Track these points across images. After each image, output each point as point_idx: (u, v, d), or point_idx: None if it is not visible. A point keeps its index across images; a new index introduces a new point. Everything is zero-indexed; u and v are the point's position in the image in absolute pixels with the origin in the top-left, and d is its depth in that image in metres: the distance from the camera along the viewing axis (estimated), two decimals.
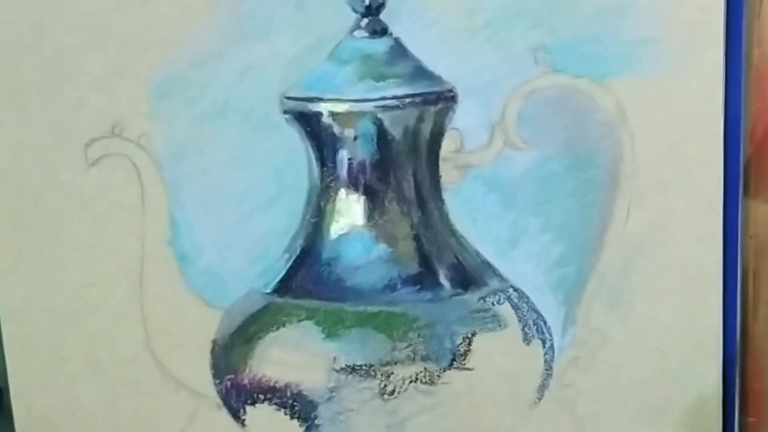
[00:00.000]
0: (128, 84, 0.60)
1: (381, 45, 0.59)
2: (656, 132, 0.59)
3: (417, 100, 0.59)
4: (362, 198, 0.60)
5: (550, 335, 0.62)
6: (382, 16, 0.59)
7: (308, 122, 0.59)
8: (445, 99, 0.59)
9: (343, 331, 0.60)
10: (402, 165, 0.60)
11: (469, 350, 0.60)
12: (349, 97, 0.59)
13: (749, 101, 0.60)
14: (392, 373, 0.60)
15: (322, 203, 0.61)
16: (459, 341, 0.60)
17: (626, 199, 0.60)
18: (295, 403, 0.61)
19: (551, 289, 0.62)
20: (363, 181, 0.60)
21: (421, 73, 0.59)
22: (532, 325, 0.62)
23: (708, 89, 0.58)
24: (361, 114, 0.59)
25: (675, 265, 0.61)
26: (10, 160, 0.62)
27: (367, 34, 0.59)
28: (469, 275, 0.61)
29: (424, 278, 0.61)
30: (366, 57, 0.59)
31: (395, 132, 0.59)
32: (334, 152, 0.60)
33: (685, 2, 0.57)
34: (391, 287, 0.60)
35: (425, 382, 0.60)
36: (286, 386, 0.61)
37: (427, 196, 0.61)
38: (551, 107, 0.59)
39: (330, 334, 0.60)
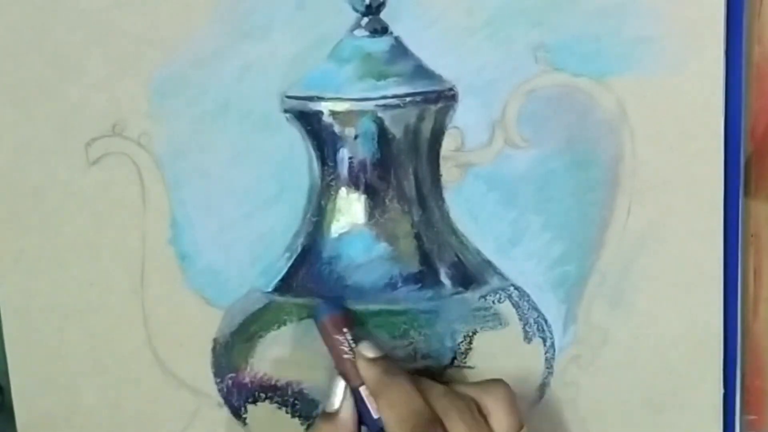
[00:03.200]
0: (129, 83, 0.60)
1: (381, 44, 0.59)
2: (657, 130, 0.59)
3: (417, 98, 0.59)
4: (363, 197, 0.60)
5: (551, 333, 0.62)
6: (383, 15, 0.59)
7: (309, 121, 0.60)
8: (446, 98, 0.59)
9: None
10: (402, 164, 0.60)
11: (470, 348, 0.61)
12: (350, 96, 0.59)
13: (750, 100, 0.60)
14: None
15: (322, 202, 0.61)
16: (460, 339, 0.60)
17: (627, 198, 0.60)
18: (296, 402, 0.61)
19: (552, 288, 0.62)
20: (364, 180, 0.60)
21: (421, 71, 0.59)
22: (532, 324, 0.62)
23: (708, 88, 0.58)
24: (362, 113, 0.59)
25: (676, 263, 0.61)
26: (11, 159, 0.62)
27: (367, 33, 0.59)
28: (470, 274, 0.61)
29: (424, 277, 0.61)
30: (366, 56, 0.59)
31: (396, 131, 0.59)
32: (335, 151, 0.60)
33: (686, 1, 0.57)
34: (391, 286, 0.60)
35: None
36: (288, 385, 0.61)
37: (428, 195, 0.61)
38: (552, 106, 0.59)
39: None
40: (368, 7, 0.59)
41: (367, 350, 0.56)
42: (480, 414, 0.55)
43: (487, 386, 0.56)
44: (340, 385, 0.56)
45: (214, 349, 0.63)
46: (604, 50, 0.58)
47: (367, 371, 0.56)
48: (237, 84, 0.60)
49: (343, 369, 0.56)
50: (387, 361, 0.56)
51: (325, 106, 0.59)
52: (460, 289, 0.61)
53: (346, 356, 0.56)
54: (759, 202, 0.62)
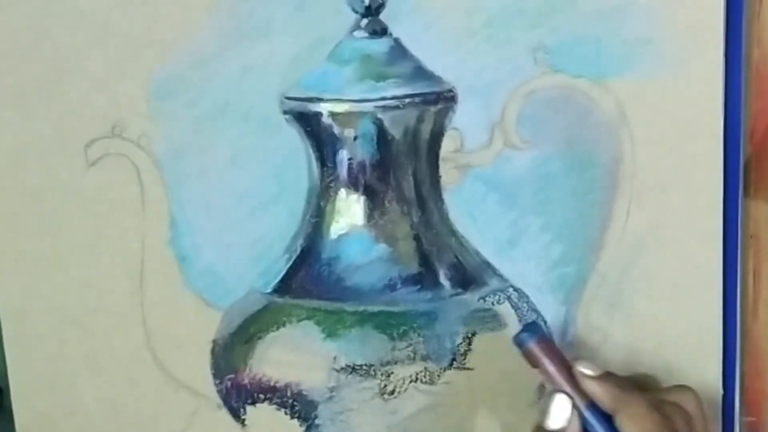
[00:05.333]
0: (128, 84, 0.60)
1: (381, 45, 0.59)
2: (656, 132, 0.59)
3: (417, 100, 0.59)
4: (362, 198, 0.60)
5: (551, 335, 0.62)
6: (382, 17, 0.59)
7: (308, 122, 0.60)
8: (445, 99, 0.59)
9: (343, 331, 0.60)
10: (402, 165, 0.60)
11: (469, 350, 0.61)
12: (349, 98, 0.59)
13: (749, 101, 0.60)
14: (392, 372, 0.60)
15: (322, 203, 0.61)
16: (459, 341, 0.60)
17: (626, 199, 0.60)
18: (295, 403, 0.61)
19: (551, 289, 0.62)
20: (363, 181, 0.60)
21: (420, 73, 0.59)
22: None
23: (708, 89, 0.58)
24: (361, 114, 0.59)
25: (675, 264, 0.61)
26: (10, 160, 0.62)
27: (366, 35, 0.59)
28: (469, 275, 0.61)
29: (424, 278, 0.61)
30: (366, 57, 0.59)
31: (395, 132, 0.59)
32: (334, 152, 0.60)
33: (685, 2, 0.57)
34: (391, 287, 0.60)
35: (425, 382, 0.60)
36: (287, 386, 0.61)
37: (427, 196, 0.61)
38: (551, 107, 0.59)
39: (330, 334, 0.60)
40: (367, 8, 0.59)
41: (587, 368, 0.55)
42: None
43: (680, 392, 0.56)
44: (564, 402, 0.55)
45: (213, 351, 0.63)
46: (603, 52, 0.58)
47: (597, 389, 0.54)
48: (236, 85, 0.60)
49: (565, 389, 0.55)
50: (613, 376, 0.55)
51: (324, 108, 0.59)
52: (460, 290, 0.61)
53: (565, 376, 0.55)
54: (758, 203, 0.62)
